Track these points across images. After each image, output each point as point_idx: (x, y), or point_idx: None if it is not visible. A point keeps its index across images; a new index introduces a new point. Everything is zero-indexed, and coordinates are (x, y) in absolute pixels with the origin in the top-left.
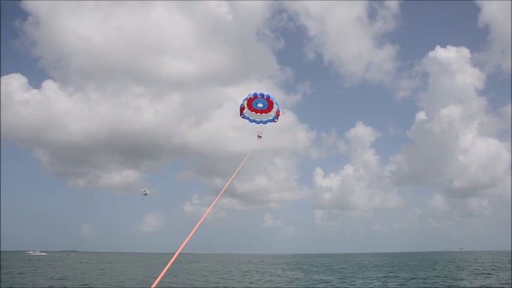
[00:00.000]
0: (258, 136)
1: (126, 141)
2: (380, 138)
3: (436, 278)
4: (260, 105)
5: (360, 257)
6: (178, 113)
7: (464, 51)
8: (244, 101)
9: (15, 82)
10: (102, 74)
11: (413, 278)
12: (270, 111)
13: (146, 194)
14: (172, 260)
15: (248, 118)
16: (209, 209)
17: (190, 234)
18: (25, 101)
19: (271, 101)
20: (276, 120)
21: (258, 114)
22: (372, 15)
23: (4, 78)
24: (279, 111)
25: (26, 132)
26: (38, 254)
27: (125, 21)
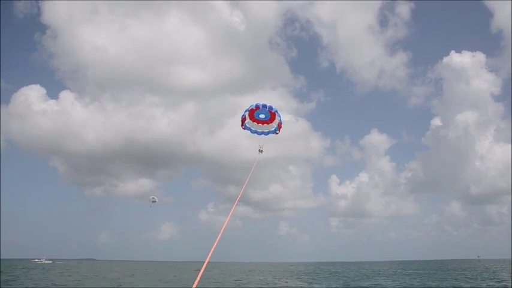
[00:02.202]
0: (260, 150)
1: (141, 150)
2: (395, 145)
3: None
4: (262, 116)
5: (374, 265)
6: (192, 122)
7: (480, 56)
8: (245, 112)
9: (34, 93)
10: (117, 84)
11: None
12: (271, 122)
13: (155, 201)
14: (202, 270)
15: (250, 129)
16: (227, 220)
17: (214, 245)
18: (43, 111)
19: (274, 112)
20: (277, 132)
21: (260, 125)
22: (383, 22)
23: (23, 90)
24: (281, 123)
25: (43, 142)
26: (43, 261)
27: (139, 32)
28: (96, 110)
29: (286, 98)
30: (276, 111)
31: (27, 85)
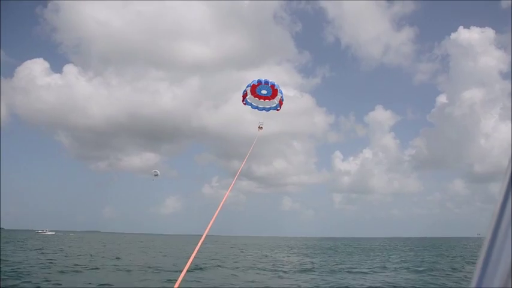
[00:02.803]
0: (259, 127)
1: (146, 124)
2: (400, 122)
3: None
4: (264, 91)
5: (376, 241)
6: (196, 97)
7: (489, 32)
8: (247, 87)
9: (37, 67)
10: (121, 58)
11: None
12: (273, 98)
13: (157, 175)
14: (199, 244)
15: (251, 104)
16: (226, 195)
17: (212, 221)
18: (47, 85)
19: (276, 88)
20: (278, 108)
21: (261, 100)
22: None
23: (27, 63)
24: (283, 100)
25: (48, 116)
26: (46, 233)
27: (142, 7)
28: (100, 85)
29: (291, 73)
30: (278, 87)
31: (30, 59)
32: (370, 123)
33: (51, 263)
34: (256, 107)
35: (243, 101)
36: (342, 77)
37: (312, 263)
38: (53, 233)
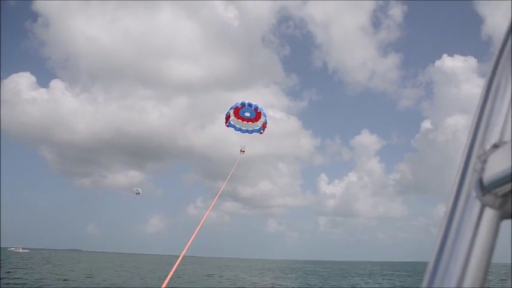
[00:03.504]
0: (241, 151)
1: (132, 142)
2: (385, 146)
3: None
4: (247, 114)
5: (359, 265)
6: (183, 116)
7: (472, 61)
8: (230, 109)
9: (24, 81)
10: (108, 75)
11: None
12: (256, 121)
13: (139, 193)
14: (176, 264)
15: (234, 126)
16: (205, 216)
17: (191, 239)
18: (33, 99)
19: (259, 111)
20: (261, 131)
21: (245, 122)
22: (376, 24)
23: (13, 77)
24: (266, 123)
25: (32, 131)
26: (20, 251)
27: (131, 24)
28: (87, 101)
29: (278, 95)
30: (262, 110)
31: (17, 72)
32: (356, 146)
33: None
34: (239, 129)
35: (226, 123)
36: (329, 100)
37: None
38: (27, 250)
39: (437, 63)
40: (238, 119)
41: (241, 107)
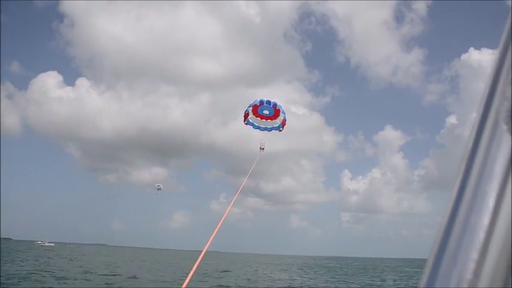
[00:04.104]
0: (261, 148)
1: (155, 139)
2: (409, 142)
3: None
4: (266, 112)
5: (382, 261)
6: (206, 113)
7: None
8: (249, 107)
9: (51, 80)
10: (132, 73)
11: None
12: (275, 118)
13: (160, 188)
14: (198, 261)
15: (252, 124)
16: (227, 212)
17: (213, 235)
18: (59, 98)
19: (278, 109)
20: (281, 129)
21: (263, 120)
22: (399, 18)
23: (41, 76)
24: (285, 120)
25: (59, 128)
26: (46, 244)
27: (155, 23)
28: (112, 98)
29: (301, 91)
30: (281, 107)
31: (44, 72)
32: (379, 142)
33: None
34: (258, 127)
35: (244, 121)
36: (352, 96)
37: (292, 280)
38: (52, 244)
39: (464, 57)
40: (257, 117)
41: (260, 105)
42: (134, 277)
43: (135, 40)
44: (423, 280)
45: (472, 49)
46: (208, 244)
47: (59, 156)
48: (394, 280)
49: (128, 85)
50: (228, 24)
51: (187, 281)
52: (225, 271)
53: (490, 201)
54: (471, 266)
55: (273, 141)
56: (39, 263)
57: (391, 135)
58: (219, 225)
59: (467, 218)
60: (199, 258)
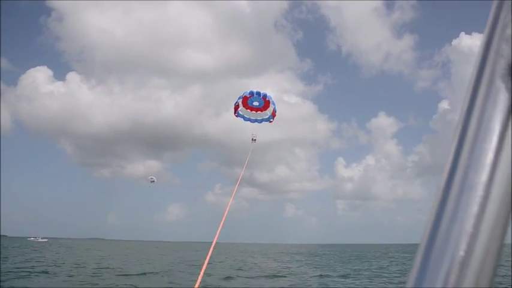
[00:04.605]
0: (253, 139)
1: (148, 132)
2: (402, 129)
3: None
4: (256, 103)
5: (378, 248)
6: (198, 104)
7: None
8: (239, 99)
9: (41, 75)
10: (123, 66)
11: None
12: (265, 110)
13: (153, 181)
14: (210, 253)
15: (243, 116)
16: (229, 205)
17: (219, 230)
18: (50, 93)
19: (268, 100)
20: (271, 120)
21: (253, 112)
22: (389, 5)
23: (31, 71)
24: (275, 111)
25: (51, 124)
26: (39, 240)
27: (144, 15)
28: (103, 92)
29: (293, 80)
30: (271, 98)
31: (34, 67)
32: (372, 129)
33: None
34: (248, 119)
35: (234, 113)
36: (344, 84)
37: (288, 268)
38: (46, 240)
39: (455, 42)
40: (247, 108)
41: (250, 96)
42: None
43: (124, 33)
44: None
45: (463, 34)
46: (215, 239)
47: (52, 152)
48: (381, 265)
49: (119, 79)
50: (217, 15)
51: (198, 281)
52: (219, 262)
53: (488, 159)
54: (471, 220)
55: (266, 130)
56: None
57: (384, 122)
58: (223, 219)
59: (465, 176)
60: (208, 255)
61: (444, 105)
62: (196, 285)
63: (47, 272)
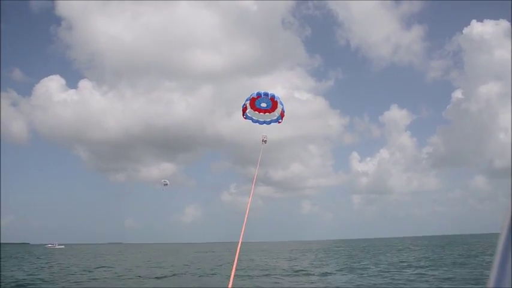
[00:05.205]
0: (263, 141)
1: (161, 135)
2: (415, 121)
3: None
4: (264, 104)
5: (394, 241)
6: (210, 105)
7: (504, 24)
8: (246, 101)
9: (54, 84)
10: (133, 71)
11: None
12: (273, 111)
13: (166, 184)
14: (237, 254)
15: (251, 118)
16: (248, 206)
17: (242, 231)
18: (63, 101)
19: (276, 100)
20: (280, 121)
21: (262, 114)
22: None
23: (44, 81)
24: (284, 111)
25: (66, 131)
26: (57, 247)
27: (151, 19)
28: (115, 98)
29: (303, 77)
30: (279, 99)
31: (46, 76)
32: (385, 122)
33: None
34: (257, 121)
35: (243, 115)
36: (354, 78)
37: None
38: (63, 246)
39: (466, 30)
40: (255, 110)
41: (257, 97)
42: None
43: (133, 38)
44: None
45: (474, 22)
46: (240, 240)
47: (68, 159)
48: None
49: (129, 83)
50: (224, 14)
51: (231, 282)
52: (228, 262)
53: None
54: None
55: (278, 128)
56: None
57: (396, 114)
58: (245, 220)
59: None
60: (236, 257)
61: (457, 94)
62: (230, 285)
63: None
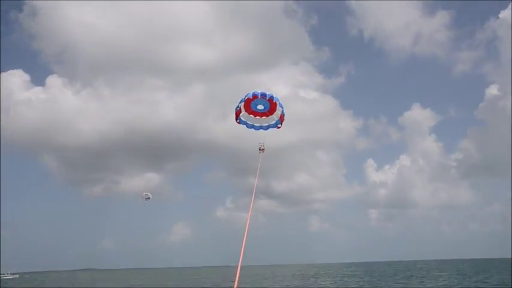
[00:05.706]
0: (260, 149)
1: (145, 140)
2: (442, 122)
3: None
4: (260, 107)
5: (418, 264)
6: (202, 106)
7: None
8: (240, 102)
9: (16, 80)
10: (112, 66)
11: None
12: (271, 114)
13: (148, 198)
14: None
15: (245, 123)
16: (248, 221)
17: (242, 252)
18: (27, 100)
19: (275, 102)
20: (279, 125)
21: (258, 117)
22: None
23: (3, 76)
24: (284, 115)
25: (30, 136)
26: (9, 277)
27: (134, 7)
28: (90, 97)
29: (310, 72)
30: (278, 100)
31: (6, 71)
32: (406, 125)
33: None
34: (252, 126)
35: (236, 119)
36: (369, 73)
37: None
38: (17, 276)
39: (503, 14)
40: (250, 113)
41: (253, 99)
42: None
43: (112, 28)
44: None
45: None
46: (240, 263)
47: (33, 169)
48: None
49: (107, 81)
50: (218, 2)
51: None
52: None
53: None
54: None
55: (280, 132)
56: None
57: (419, 115)
58: (244, 239)
59: None
60: (236, 280)
61: (493, 90)
62: None
63: None
